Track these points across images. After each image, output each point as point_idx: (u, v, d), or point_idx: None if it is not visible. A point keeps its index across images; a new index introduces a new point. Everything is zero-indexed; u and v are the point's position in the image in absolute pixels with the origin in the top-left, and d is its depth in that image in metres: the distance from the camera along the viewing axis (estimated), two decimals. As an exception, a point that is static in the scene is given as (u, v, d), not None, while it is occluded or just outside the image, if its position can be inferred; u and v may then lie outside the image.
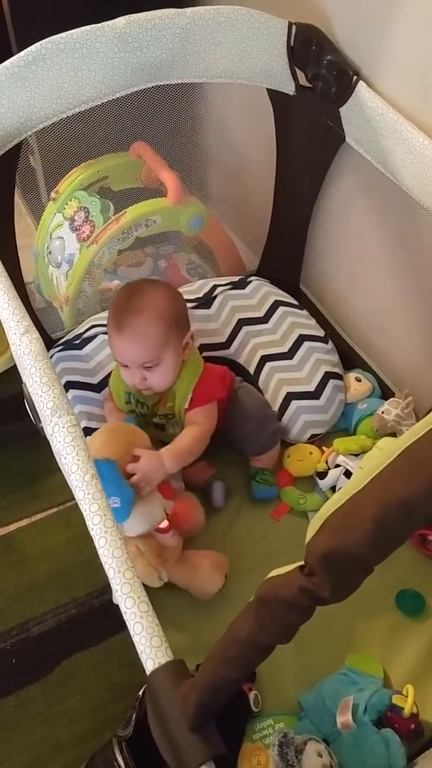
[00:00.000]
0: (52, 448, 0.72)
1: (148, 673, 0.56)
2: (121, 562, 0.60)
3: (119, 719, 0.95)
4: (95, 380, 1.29)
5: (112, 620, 1.19)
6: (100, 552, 0.62)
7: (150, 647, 0.56)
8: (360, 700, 0.95)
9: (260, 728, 0.97)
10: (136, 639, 0.58)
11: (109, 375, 1.27)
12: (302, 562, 0.51)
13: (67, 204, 1.42)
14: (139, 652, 0.58)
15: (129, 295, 1.14)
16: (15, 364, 1.50)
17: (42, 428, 0.76)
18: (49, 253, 1.44)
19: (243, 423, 1.25)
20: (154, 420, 1.21)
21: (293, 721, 0.99)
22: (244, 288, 1.49)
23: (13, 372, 1.54)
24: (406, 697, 0.95)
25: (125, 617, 0.59)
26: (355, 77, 1.14)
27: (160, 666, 0.56)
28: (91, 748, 1.01)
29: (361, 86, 1.14)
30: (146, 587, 0.63)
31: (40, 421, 0.75)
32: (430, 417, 0.50)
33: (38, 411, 0.73)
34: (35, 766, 1.09)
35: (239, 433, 1.26)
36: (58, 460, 0.71)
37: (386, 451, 0.49)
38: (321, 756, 0.90)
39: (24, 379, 0.78)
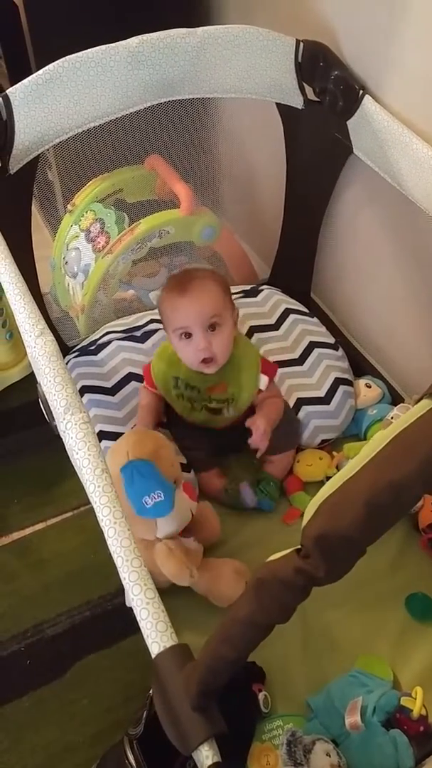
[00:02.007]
0: (65, 444, 0.75)
1: (153, 656, 0.58)
2: (129, 551, 0.63)
3: (131, 720, 0.96)
4: (110, 384, 1.31)
5: (125, 623, 1.20)
6: (109, 542, 0.65)
7: (155, 632, 0.59)
8: (369, 702, 0.95)
9: (269, 728, 0.98)
10: (142, 624, 0.60)
11: (124, 378, 1.31)
12: (299, 546, 0.53)
13: (83, 216, 1.46)
14: (144, 636, 0.60)
15: (185, 273, 1.21)
16: (29, 373, 1.57)
17: (55, 426, 0.78)
18: (66, 263, 1.48)
19: None
20: (208, 405, 1.22)
21: (302, 721, 0.99)
22: (255, 296, 1.52)
23: (27, 380, 1.58)
24: (415, 699, 0.96)
25: (132, 604, 0.61)
26: (361, 91, 1.18)
27: (164, 649, 0.58)
28: (103, 749, 1.02)
29: (367, 100, 1.17)
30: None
31: (53, 420, 0.78)
32: (419, 407, 0.52)
33: (52, 409, 0.76)
34: (48, 765, 1.10)
35: None
36: (70, 455, 0.74)
37: (378, 438, 0.51)
38: (329, 756, 0.90)
39: (39, 379, 0.81)
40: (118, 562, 0.63)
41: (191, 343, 1.15)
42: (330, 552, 0.50)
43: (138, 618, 0.61)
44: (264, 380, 1.23)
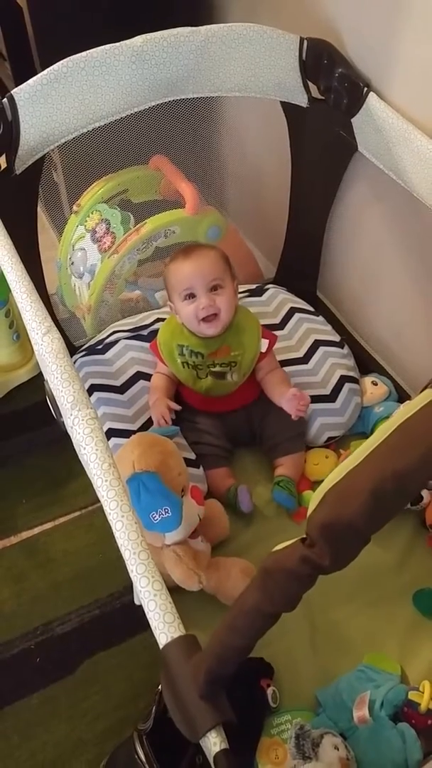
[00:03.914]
0: (72, 439, 0.75)
1: (161, 647, 0.59)
2: (136, 544, 0.63)
3: (140, 717, 0.97)
4: (118, 382, 1.32)
5: (133, 621, 1.21)
6: (116, 535, 0.65)
7: (163, 623, 0.59)
8: (377, 696, 0.96)
9: (278, 723, 0.98)
10: (150, 615, 0.60)
11: (132, 377, 1.32)
12: (304, 536, 0.54)
13: (88, 216, 1.46)
14: (152, 627, 0.60)
15: (189, 244, 1.30)
16: (36, 374, 1.57)
17: (63, 423, 0.79)
18: (72, 264, 1.49)
19: (274, 419, 1.29)
20: (212, 369, 1.26)
21: (310, 716, 1.00)
22: (261, 295, 1.53)
23: (34, 381, 1.59)
24: (423, 693, 0.96)
25: (141, 596, 0.62)
26: (365, 88, 1.18)
27: (172, 639, 0.58)
28: (113, 745, 1.02)
29: (372, 97, 1.17)
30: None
31: (61, 416, 0.79)
32: (423, 396, 0.52)
33: (59, 406, 0.77)
34: (58, 762, 1.10)
35: (270, 430, 1.30)
36: (78, 451, 0.75)
37: (382, 429, 0.51)
38: (338, 749, 0.91)
39: (46, 376, 0.81)
40: (126, 554, 0.64)
41: (194, 303, 1.20)
42: (335, 540, 0.51)
43: (145, 609, 0.61)
44: (265, 343, 1.28)
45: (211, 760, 0.55)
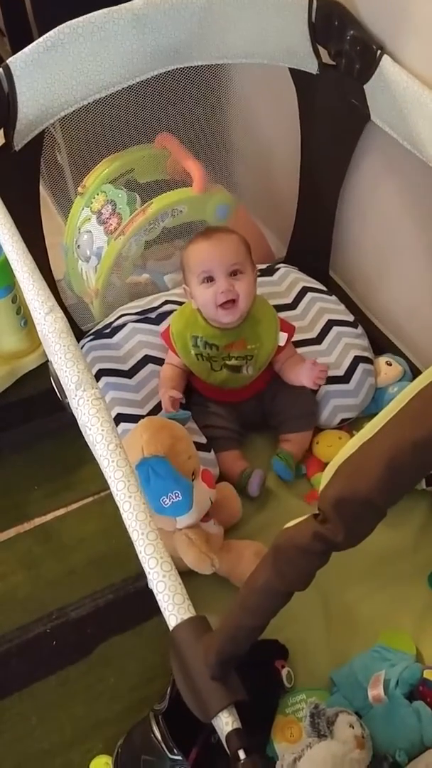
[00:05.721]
0: (78, 420, 0.74)
1: (171, 628, 0.58)
2: (144, 525, 0.62)
3: (155, 698, 0.98)
4: (126, 367, 1.30)
5: (147, 605, 1.19)
6: (124, 516, 0.64)
7: (173, 604, 0.58)
8: (391, 675, 0.96)
9: (293, 702, 0.99)
10: (159, 597, 0.59)
11: (140, 361, 1.30)
12: (317, 511, 0.52)
13: (94, 198, 1.44)
14: (162, 609, 0.59)
15: (210, 227, 1.31)
16: (45, 361, 1.56)
17: (68, 404, 0.78)
18: (78, 247, 1.47)
19: (284, 398, 1.28)
20: (227, 362, 1.24)
21: (325, 695, 1.00)
22: (272, 275, 1.50)
23: (44, 368, 1.58)
24: (438, 671, 0.95)
25: (150, 577, 0.61)
26: (379, 52, 1.13)
27: (182, 621, 0.57)
28: (130, 725, 1.03)
29: (386, 60, 1.12)
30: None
31: (65, 397, 0.77)
32: (443, 361, 0.50)
33: (63, 386, 0.75)
34: (77, 740, 1.11)
35: (278, 407, 1.28)
36: (83, 432, 0.73)
37: (398, 398, 0.49)
38: (353, 727, 0.91)
39: (49, 357, 0.80)
40: (134, 535, 0.63)
41: (213, 287, 1.17)
42: (350, 516, 0.49)
43: (155, 591, 0.60)
44: (283, 337, 1.25)
45: (223, 740, 0.55)
